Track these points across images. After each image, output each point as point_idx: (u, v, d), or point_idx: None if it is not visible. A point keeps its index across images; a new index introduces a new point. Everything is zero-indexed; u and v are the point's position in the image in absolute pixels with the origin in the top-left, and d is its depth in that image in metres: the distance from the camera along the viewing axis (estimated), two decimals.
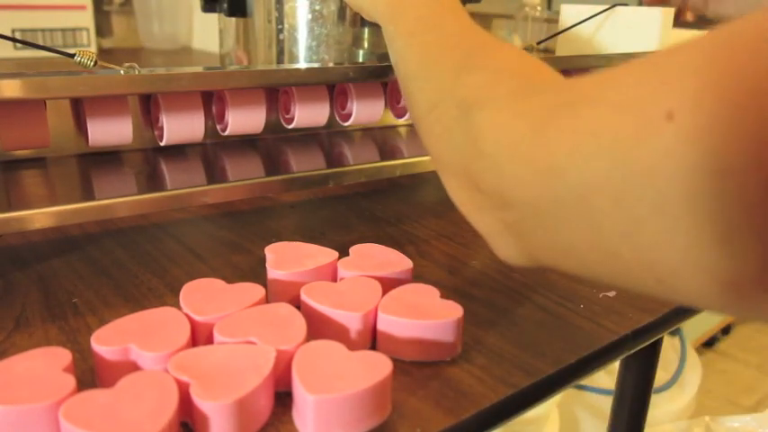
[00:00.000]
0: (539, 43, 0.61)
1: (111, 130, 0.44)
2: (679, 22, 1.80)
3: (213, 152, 0.52)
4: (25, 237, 0.48)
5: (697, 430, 1.08)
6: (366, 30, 0.61)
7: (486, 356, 0.35)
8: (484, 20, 1.58)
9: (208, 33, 1.35)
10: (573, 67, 0.64)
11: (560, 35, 0.69)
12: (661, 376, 1.23)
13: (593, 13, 0.66)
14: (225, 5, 0.61)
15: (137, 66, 0.40)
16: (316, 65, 0.48)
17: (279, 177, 0.46)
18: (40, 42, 1.10)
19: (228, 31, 0.68)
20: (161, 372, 0.29)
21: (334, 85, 0.55)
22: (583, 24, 0.67)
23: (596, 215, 0.23)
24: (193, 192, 0.43)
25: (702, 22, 1.80)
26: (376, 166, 0.50)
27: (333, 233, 0.51)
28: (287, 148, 0.54)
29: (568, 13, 0.69)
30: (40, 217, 0.38)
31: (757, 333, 1.98)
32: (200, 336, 0.33)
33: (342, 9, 0.60)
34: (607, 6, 0.66)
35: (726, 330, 1.93)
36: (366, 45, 0.62)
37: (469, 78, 0.32)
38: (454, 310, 0.35)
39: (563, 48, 0.72)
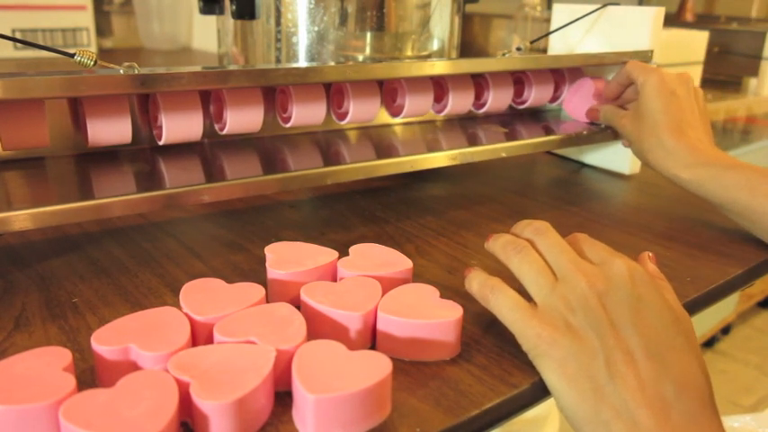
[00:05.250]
0: (532, 42, 0.61)
1: (110, 130, 0.45)
2: (679, 21, 1.80)
3: (211, 151, 0.52)
4: (25, 237, 0.48)
5: None
6: (368, 34, 0.61)
7: (486, 356, 0.35)
8: (484, 20, 1.58)
9: (208, 33, 1.35)
10: (565, 65, 0.64)
11: (553, 34, 0.69)
12: None
13: (584, 13, 0.66)
14: (233, 8, 0.61)
15: (136, 66, 0.40)
16: (314, 64, 0.48)
17: (276, 176, 0.46)
18: (41, 42, 1.10)
19: (227, 31, 0.68)
20: (161, 371, 0.29)
21: (330, 85, 0.55)
22: (575, 23, 0.67)
23: None
24: (192, 190, 0.43)
25: (702, 21, 1.80)
26: (373, 165, 0.50)
27: (332, 233, 0.51)
28: (284, 147, 0.54)
29: (561, 13, 0.69)
30: (39, 216, 0.38)
31: (757, 333, 1.98)
32: (200, 336, 0.33)
33: (342, 10, 0.60)
34: (599, 6, 0.66)
35: (726, 330, 1.93)
36: (368, 50, 0.62)
37: None
38: (454, 310, 0.35)
39: (555, 47, 0.72)
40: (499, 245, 0.38)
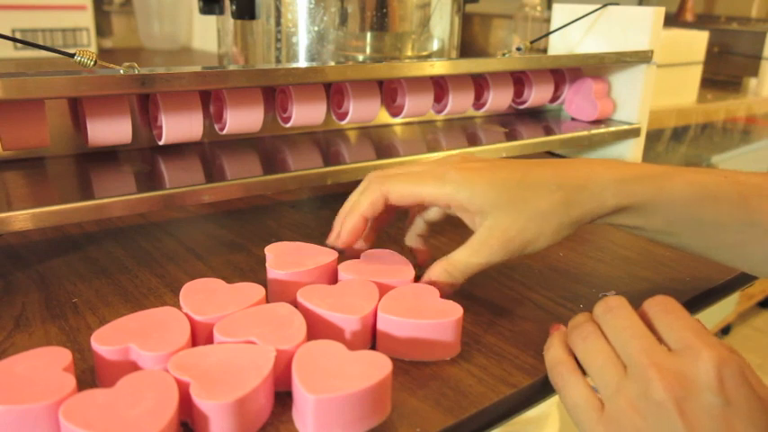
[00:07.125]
0: (532, 42, 0.61)
1: (110, 130, 0.44)
2: (679, 21, 1.80)
3: (211, 151, 0.52)
4: (25, 237, 0.48)
5: None
6: (368, 34, 0.61)
7: (486, 356, 0.35)
8: (484, 20, 1.58)
9: (208, 33, 1.35)
10: (565, 65, 0.64)
11: (553, 34, 0.69)
12: None
13: (584, 13, 0.66)
14: (233, 8, 0.61)
15: (136, 65, 0.40)
16: (314, 64, 0.48)
17: (276, 176, 0.46)
18: (41, 42, 1.10)
19: (227, 31, 0.68)
20: (161, 371, 0.29)
21: (330, 85, 0.55)
22: (575, 23, 0.67)
23: None
24: (192, 190, 0.43)
25: (702, 21, 1.80)
26: (373, 165, 0.50)
27: None
28: (284, 147, 0.54)
29: (561, 13, 0.69)
30: (39, 216, 0.38)
31: (757, 333, 1.98)
32: (200, 336, 0.33)
33: (342, 10, 0.60)
34: (599, 6, 0.66)
35: (725, 330, 1.93)
36: (368, 50, 0.62)
37: None
38: (454, 310, 0.35)
39: (555, 47, 0.72)
40: (570, 329, 0.34)
